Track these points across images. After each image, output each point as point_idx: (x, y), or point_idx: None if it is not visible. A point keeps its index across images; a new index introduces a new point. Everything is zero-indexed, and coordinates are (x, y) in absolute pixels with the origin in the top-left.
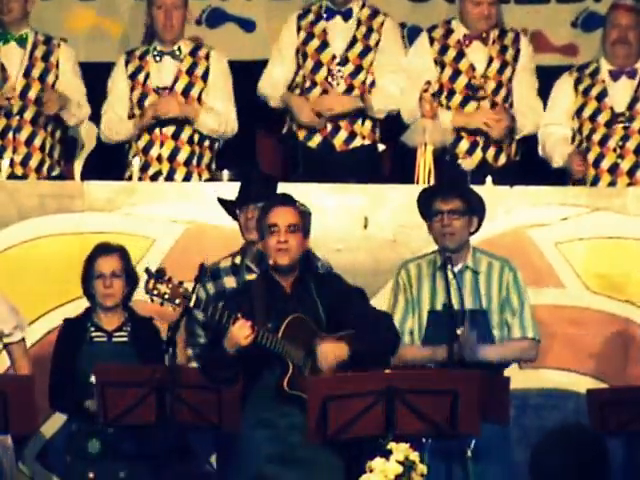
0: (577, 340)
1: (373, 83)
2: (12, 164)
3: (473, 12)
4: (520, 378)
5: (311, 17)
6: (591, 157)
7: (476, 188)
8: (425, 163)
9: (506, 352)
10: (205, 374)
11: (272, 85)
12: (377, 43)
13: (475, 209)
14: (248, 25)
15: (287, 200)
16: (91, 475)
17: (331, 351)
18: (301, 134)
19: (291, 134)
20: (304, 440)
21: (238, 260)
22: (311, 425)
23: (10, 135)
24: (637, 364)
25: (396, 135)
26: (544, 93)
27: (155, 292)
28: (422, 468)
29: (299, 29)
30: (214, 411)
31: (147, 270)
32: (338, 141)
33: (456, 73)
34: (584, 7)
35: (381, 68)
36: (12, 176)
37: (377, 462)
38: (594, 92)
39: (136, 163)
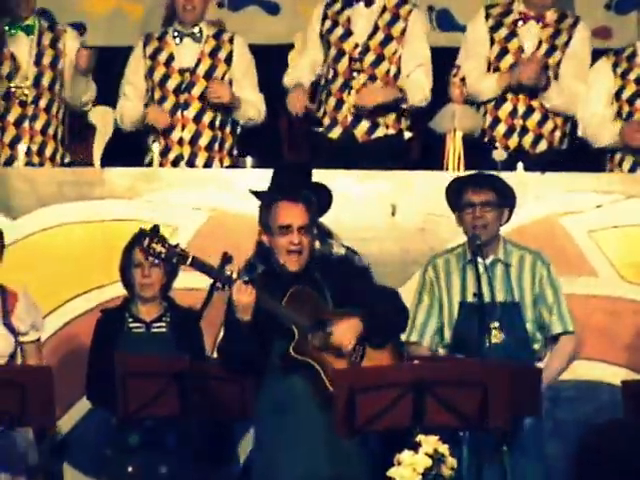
0: (611, 331)
1: (397, 74)
2: (29, 152)
3: None
4: None
5: (338, 6)
6: None
7: (507, 175)
8: (454, 149)
9: (562, 364)
10: (222, 355)
11: (296, 77)
12: (402, 32)
13: (506, 201)
14: (272, 8)
15: (296, 195)
16: (130, 469)
17: (347, 328)
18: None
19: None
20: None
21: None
22: (339, 417)
23: (26, 124)
24: None
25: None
26: None
27: (151, 251)
28: (452, 461)
29: (325, 17)
30: (236, 403)
31: (141, 229)
32: (360, 132)
33: (503, 51)
34: None
35: (408, 60)
36: (29, 165)
37: (405, 455)
38: (632, 75)
39: (156, 149)
